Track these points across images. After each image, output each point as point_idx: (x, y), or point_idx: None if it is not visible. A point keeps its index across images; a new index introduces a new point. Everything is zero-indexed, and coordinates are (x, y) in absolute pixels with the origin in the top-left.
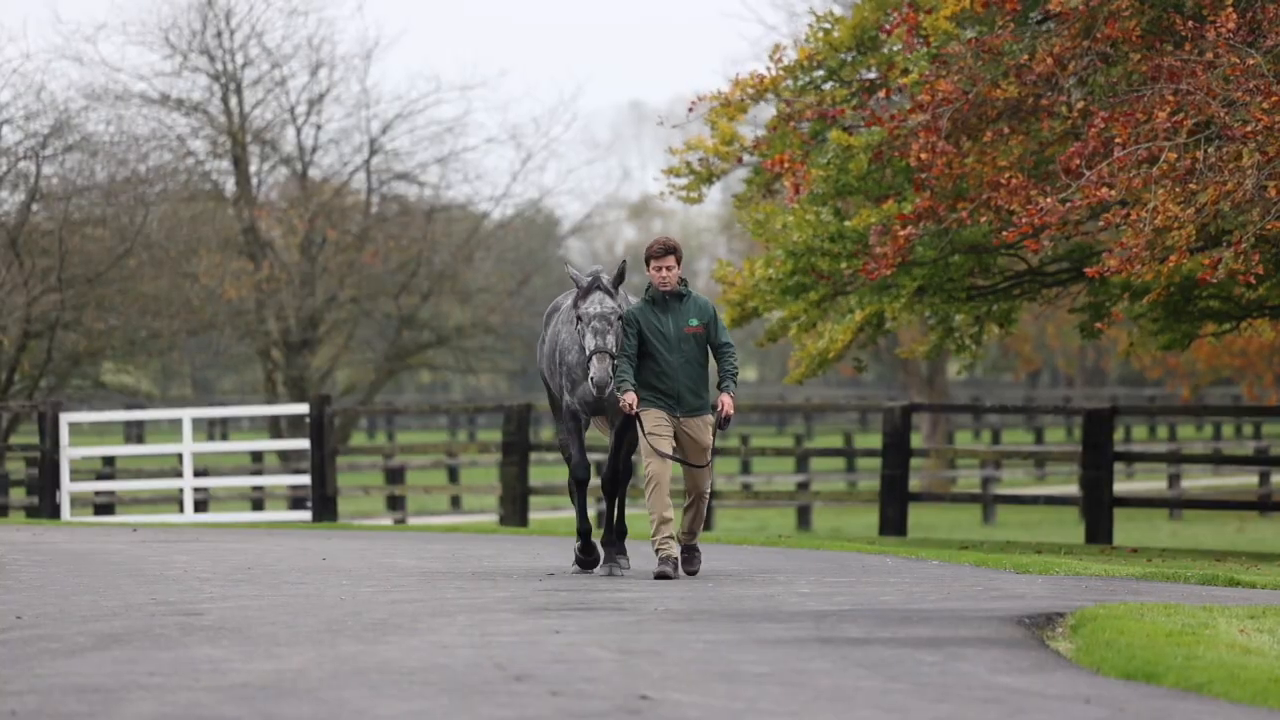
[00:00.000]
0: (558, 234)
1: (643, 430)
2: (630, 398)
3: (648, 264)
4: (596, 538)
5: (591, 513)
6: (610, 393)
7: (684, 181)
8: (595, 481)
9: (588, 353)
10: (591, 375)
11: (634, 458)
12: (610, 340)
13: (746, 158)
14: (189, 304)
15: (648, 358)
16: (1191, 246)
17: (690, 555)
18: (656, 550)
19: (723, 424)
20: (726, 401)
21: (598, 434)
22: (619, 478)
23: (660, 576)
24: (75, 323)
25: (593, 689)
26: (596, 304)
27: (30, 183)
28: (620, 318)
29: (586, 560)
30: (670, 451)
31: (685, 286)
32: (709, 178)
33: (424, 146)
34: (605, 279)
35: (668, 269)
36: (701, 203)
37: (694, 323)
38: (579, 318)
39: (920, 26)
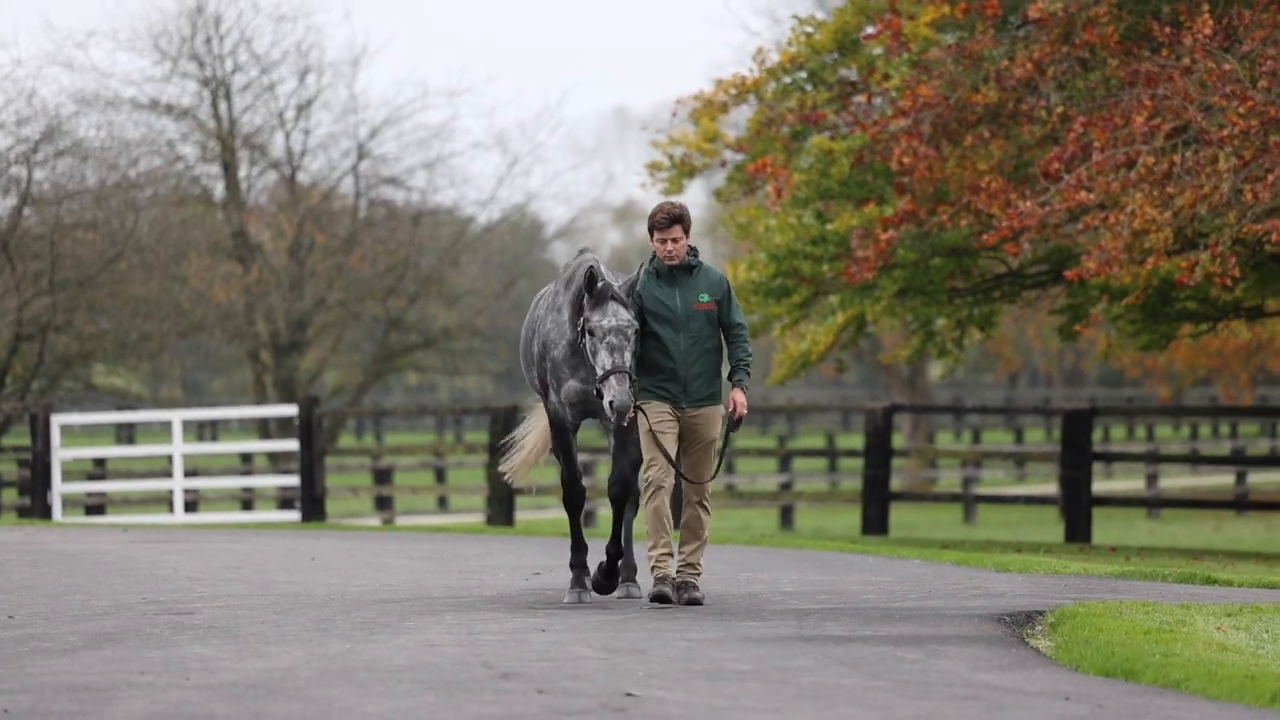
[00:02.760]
0: (543, 238)
1: (644, 427)
2: None
3: (651, 234)
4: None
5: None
6: (582, 389)
7: (665, 175)
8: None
9: (602, 371)
10: (609, 399)
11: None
12: (628, 358)
13: (729, 155)
14: (179, 307)
15: (650, 338)
16: (1169, 249)
17: (687, 586)
18: (653, 569)
19: (734, 425)
20: (740, 400)
21: (594, 435)
22: (630, 483)
23: (657, 598)
24: (67, 325)
25: (578, 687)
26: (612, 316)
27: (22, 187)
28: (637, 331)
29: (584, 588)
30: (672, 449)
31: (695, 257)
32: (690, 173)
33: (411, 151)
34: (617, 286)
35: (674, 240)
36: (681, 194)
37: (705, 298)
38: (590, 331)
39: (901, 33)
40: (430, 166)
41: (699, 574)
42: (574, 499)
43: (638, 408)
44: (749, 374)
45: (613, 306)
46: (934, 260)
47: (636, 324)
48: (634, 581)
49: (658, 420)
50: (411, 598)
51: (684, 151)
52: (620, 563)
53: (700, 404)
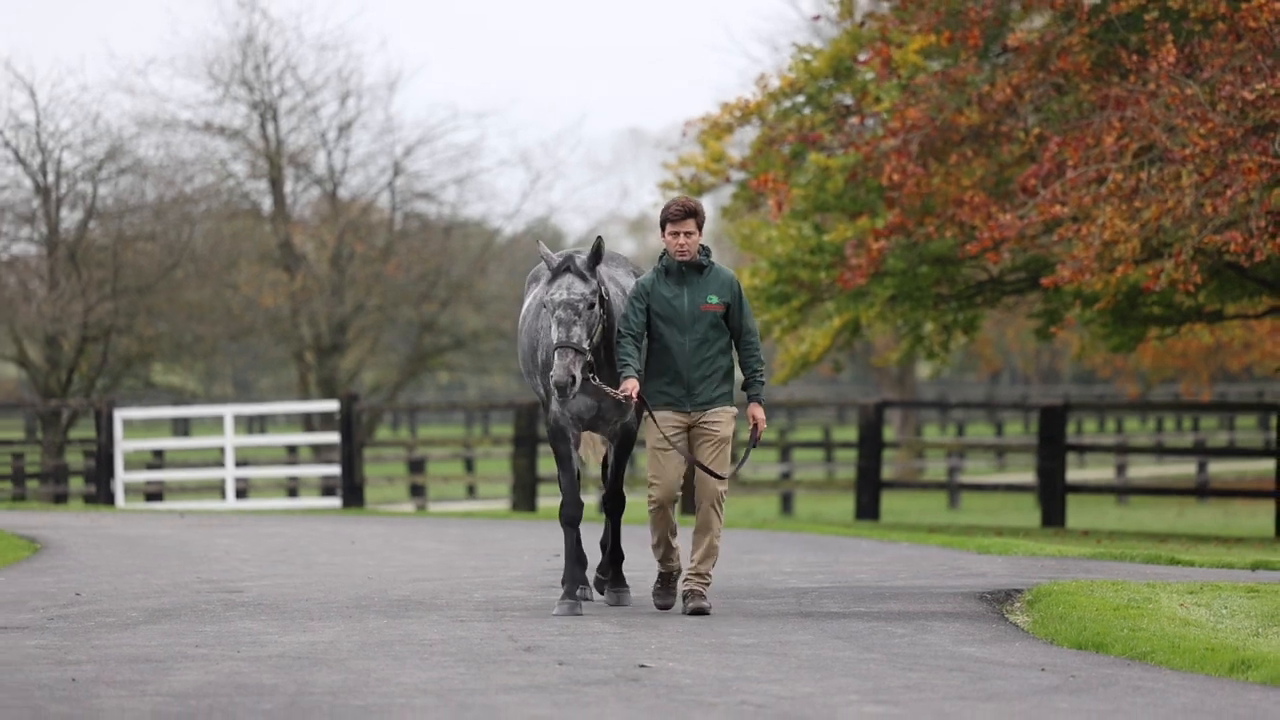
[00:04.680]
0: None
1: (651, 442)
2: (630, 384)
3: (663, 228)
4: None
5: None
6: (601, 403)
7: (676, 195)
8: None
9: (553, 347)
10: (551, 374)
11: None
12: (577, 332)
13: (733, 174)
14: (230, 311)
15: (655, 339)
16: (1136, 258)
17: (693, 595)
18: (661, 563)
19: (754, 442)
20: (760, 417)
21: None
22: (620, 495)
23: (663, 608)
24: (128, 328)
25: (596, 659)
26: (564, 289)
27: (88, 202)
28: (592, 306)
29: (575, 600)
30: (680, 465)
31: (707, 256)
32: (699, 192)
33: (442, 168)
34: (579, 260)
35: (687, 234)
36: None
37: (714, 299)
38: (544, 304)
39: (891, 60)
40: (460, 182)
41: (707, 584)
42: (571, 515)
43: (649, 412)
44: (763, 383)
45: (567, 279)
46: (921, 269)
47: (590, 298)
48: (625, 588)
49: (667, 433)
50: (443, 577)
51: (693, 172)
52: (610, 571)
53: (706, 407)
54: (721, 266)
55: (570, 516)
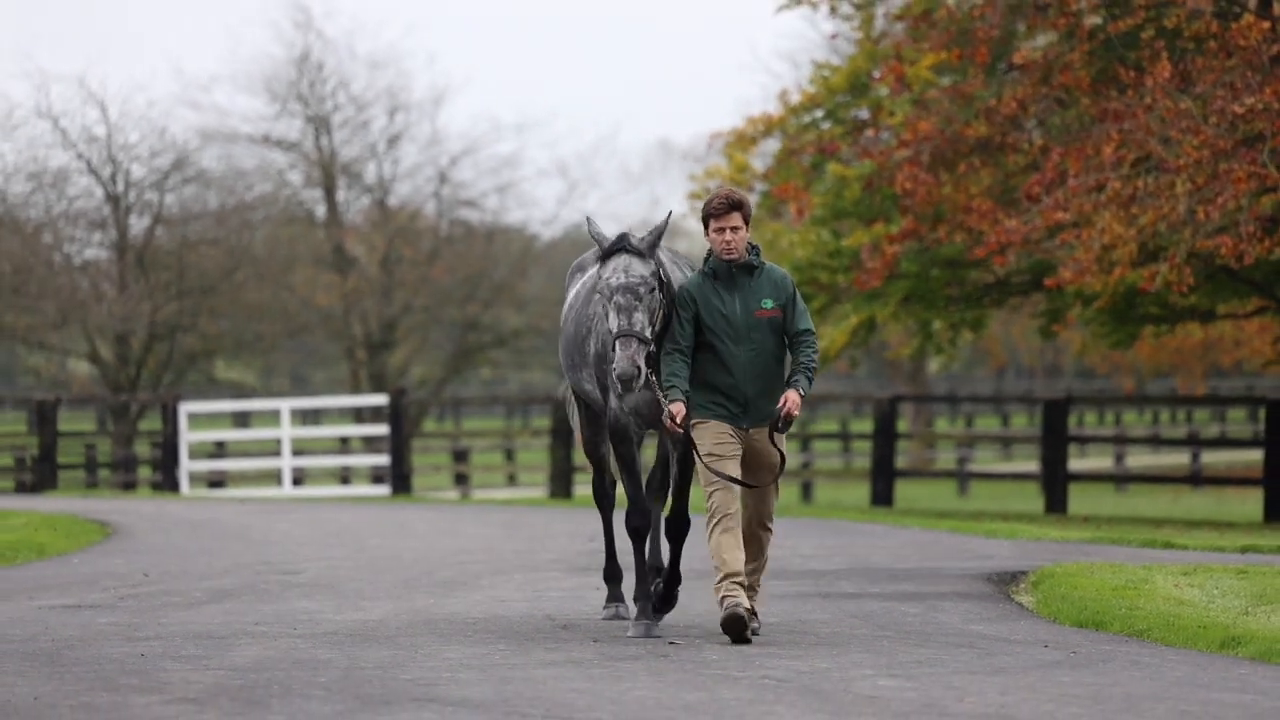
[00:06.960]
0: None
1: (698, 452)
2: (677, 409)
3: (706, 226)
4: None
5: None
6: (647, 395)
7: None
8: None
9: (613, 336)
10: (613, 367)
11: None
12: (639, 319)
13: (757, 185)
14: (287, 311)
15: (706, 350)
16: (1133, 261)
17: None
18: (722, 600)
19: (783, 425)
20: (793, 399)
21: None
22: (685, 518)
23: (736, 636)
24: (192, 327)
25: (628, 636)
26: (621, 272)
27: (155, 210)
28: (653, 290)
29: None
30: (736, 474)
31: (757, 256)
32: None
33: (485, 178)
34: (634, 238)
35: (733, 230)
36: None
37: (768, 304)
38: (599, 290)
39: (904, 76)
40: (501, 191)
41: (757, 597)
42: (639, 523)
43: (691, 427)
44: (810, 379)
45: (623, 260)
46: (933, 271)
47: (650, 281)
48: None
49: (716, 441)
50: (485, 560)
51: (719, 183)
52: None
53: (764, 423)
54: (773, 265)
55: (637, 527)
